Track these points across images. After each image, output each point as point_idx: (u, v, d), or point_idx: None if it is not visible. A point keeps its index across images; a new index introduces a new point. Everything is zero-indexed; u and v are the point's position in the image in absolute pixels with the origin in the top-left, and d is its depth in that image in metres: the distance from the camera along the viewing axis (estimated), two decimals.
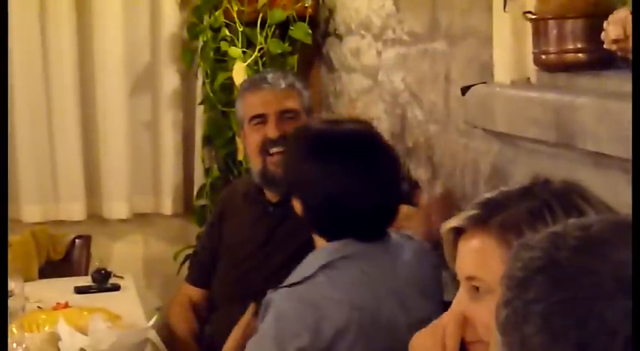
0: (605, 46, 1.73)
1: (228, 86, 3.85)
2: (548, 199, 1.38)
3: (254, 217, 2.97)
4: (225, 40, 3.90)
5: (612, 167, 1.71)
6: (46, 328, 2.72)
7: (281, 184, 2.49)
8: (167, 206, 4.24)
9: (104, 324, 2.68)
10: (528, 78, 2.13)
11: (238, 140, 3.70)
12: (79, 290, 3.35)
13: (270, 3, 3.87)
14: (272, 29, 3.90)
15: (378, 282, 2.17)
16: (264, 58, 3.89)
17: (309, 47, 3.99)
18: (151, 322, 2.80)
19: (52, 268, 3.73)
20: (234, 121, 3.63)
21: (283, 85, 2.92)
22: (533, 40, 2.00)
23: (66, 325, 2.66)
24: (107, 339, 2.59)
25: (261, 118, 2.88)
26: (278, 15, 3.86)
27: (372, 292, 2.15)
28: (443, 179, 2.70)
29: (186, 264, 3.45)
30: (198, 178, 4.15)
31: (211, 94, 3.96)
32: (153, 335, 2.83)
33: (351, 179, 2.19)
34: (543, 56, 1.97)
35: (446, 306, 1.53)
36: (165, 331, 3.10)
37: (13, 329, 2.69)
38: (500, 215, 1.39)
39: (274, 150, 2.83)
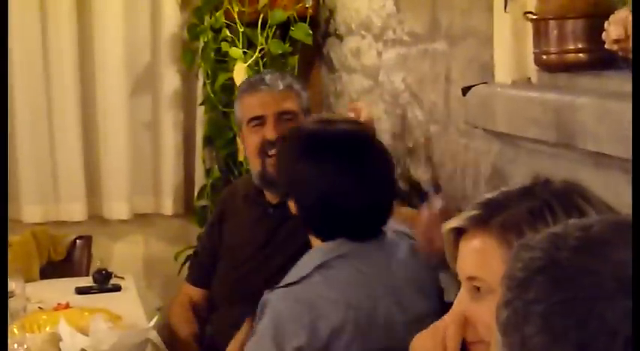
0: (606, 46, 1.73)
1: (229, 87, 3.84)
2: (549, 199, 1.38)
3: (254, 219, 2.97)
4: (226, 40, 3.90)
5: (613, 167, 1.71)
6: (47, 329, 2.72)
7: (277, 184, 2.48)
8: (168, 207, 4.24)
9: (105, 324, 2.68)
10: (529, 78, 2.13)
11: (239, 141, 3.70)
12: (80, 291, 3.35)
13: (270, 3, 3.87)
14: (273, 30, 3.90)
15: (373, 281, 2.18)
16: (264, 59, 3.89)
17: (310, 48, 3.99)
18: (152, 323, 2.80)
19: (52, 269, 3.74)
20: (234, 121, 3.63)
21: (281, 87, 2.91)
22: (533, 40, 2.00)
23: (67, 325, 2.66)
24: (108, 339, 2.59)
25: (259, 120, 2.88)
26: (279, 15, 3.86)
27: (368, 291, 2.16)
28: (443, 193, 2.70)
29: (187, 264, 3.45)
30: (199, 179, 4.15)
31: (212, 95, 3.96)
32: (154, 335, 2.83)
33: (344, 179, 2.20)
34: (544, 56, 1.97)
35: (446, 307, 1.53)
36: (166, 331, 3.11)
37: (14, 330, 2.69)
38: (501, 215, 1.39)
39: (273, 152, 2.82)
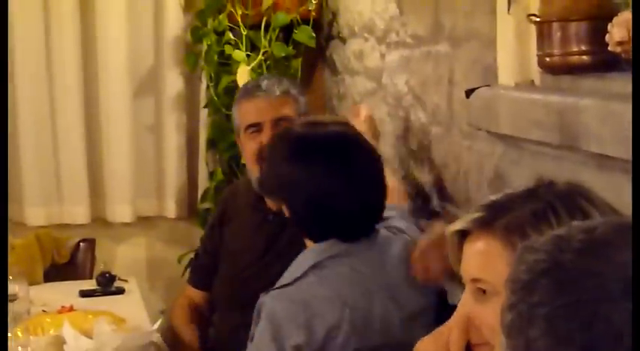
0: (609, 49, 1.73)
1: (232, 89, 3.84)
2: (553, 201, 1.38)
3: (254, 224, 2.95)
4: (229, 43, 3.91)
5: (616, 169, 1.71)
6: (51, 332, 2.73)
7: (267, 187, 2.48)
8: (171, 209, 4.25)
9: (109, 327, 2.69)
10: (532, 80, 2.13)
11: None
12: (84, 293, 3.36)
13: (274, 6, 3.88)
14: (276, 32, 3.90)
15: (368, 278, 2.20)
16: (267, 62, 3.89)
17: (313, 50, 4.00)
18: (156, 326, 2.80)
19: (56, 272, 3.74)
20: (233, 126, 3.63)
21: (278, 93, 2.89)
22: (537, 42, 2.00)
23: (71, 328, 2.67)
24: (112, 342, 2.59)
25: (256, 127, 2.86)
26: (282, 18, 3.87)
27: (363, 289, 2.18)
28: (447, 198, 2.70)
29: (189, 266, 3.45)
30: (202, 182, 4.15)
31: (215, 98, 3.96)
32: (157, 338, 2.84)
33: (333, 180, 2.21)
34: (547, 58, 1.96)
35: (450, 309, 1.53)
36: (169, 333, 3.11)
37: (18, 333, 2.69)
38: (505, 217, 1.39)
39: None
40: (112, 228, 4.25)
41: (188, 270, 3.51)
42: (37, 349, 2.58)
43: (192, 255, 3.80)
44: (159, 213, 4.28)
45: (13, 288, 2.91)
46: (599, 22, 1.83)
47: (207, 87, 4.03)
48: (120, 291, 3.42)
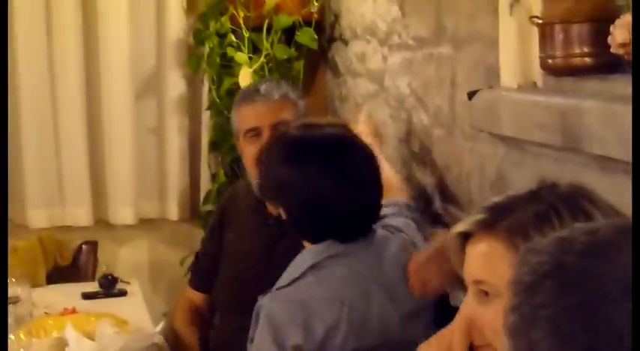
0: (611, 50, 1.73)
1: (235, 92, 3.84)
2: (555, 203, 1.38)
3: (255, 229, 2.94)
4: (232, 45, 3.91)
5: (618, 171, 1.71)
6: (54, 334, 2.73)
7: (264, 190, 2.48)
8: (173, 212, 4.25)
9: (111, 329, 2.69)
10: (535, 82, 2.13)
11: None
12: (86, 296, 3.36)
13: (276, 8, 3.88)
14: (278, 35, 3.90)
15: (365, 278, 2.21)
16: (270, 64, 3.89)
17: (315, 52, 4.00)
18: (158, 328, 2.81)
19: (59, 274, 3.74)
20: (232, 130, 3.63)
21: (277, 97, 2.88)
22: (539, 44, 2.00)
23: (73, 330, 2.67)
24: (114, 344, 2.59)
25: (255, 131, 2.86)
26: (284, 20, 3.87)
27: (361, 289, 2.20)
28: (449, 201, 2.70)
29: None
30: (205, 184, 4.15)
31: (217, 100, 3.97)
32: (160, 340, 2.83)
33: (329, 182, 2.22)
34: (550, 60, 1.97)
35: (452, 311, 1.53)
36: (171, 335, 3.10)
37: (20, 335, 2.69)
38: (508, 219, 1.39)
39: None
40: (115, 230, 4.25)
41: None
42: None
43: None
44: (161, 215, 4.28)
45: (15, 290, 2.91)
46: (601, 24, 1.83)
47: (210, 89, 4.03)
48: (122, 293, 3.42)
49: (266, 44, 3.88)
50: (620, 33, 1.69)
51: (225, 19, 3.91)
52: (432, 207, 2.79)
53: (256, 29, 3.91)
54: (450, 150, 2.69)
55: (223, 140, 4.01)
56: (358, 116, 2.88)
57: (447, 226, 2.60)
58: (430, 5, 2.77)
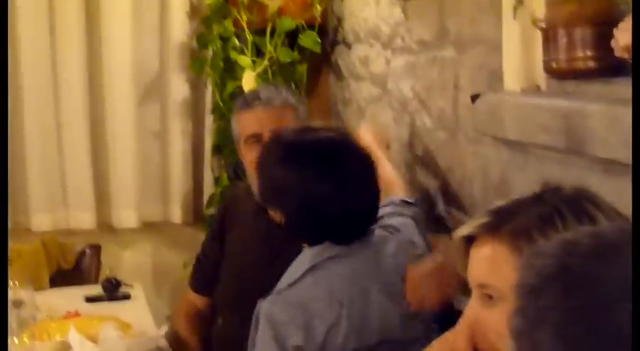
0: (615, 54, 1.73)
1: (238, 95, 3.85)
2: (559, 206, 1.38)
3: (257, 233, 2.91)
4: (235, 49, 3.91)
5: (622, 174, 1.71)
6: (57, 337, 2.73)
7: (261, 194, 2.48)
8: (177, 215, 4.25)
9: (115, 333, 2.69)
10: (538, 85, 2.13)
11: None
12: (90, 299, 3.35)
13: (279, 12, 3.88)
14: (281, 38, 3.90)
15: (364, 277, 2.23)
16: (273, 67, 3.89)
17: (318, 56, 4.00)
18: (162, 331, 2.81)
19: (62, 277, 3.74)
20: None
21: (277, 103, 2.87)
22: (543, 47, 2.00)
23: (77, 334, 2.67)
24: (117, 348, 2.59)
25: (256, 137, 2.85)
26: (287, 24, 3.87)
27: (360, 288, 2.21)
28: (452, 204, 2.70)
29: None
30: (208, 187, 4.15)
31: (221, 103, 3.97)
32: (163, 343, 2.83)
33: (324, 184, 2.23)
34: (553, 63, 1.97)
35: (457, 315, 1.53)
36: (173, 338, 3.10)
37: (24, 338, 2.69)
38: (512, 222, 1.39)
39: None
40: (118, 233, 4.25)
41: None
42: None
43: None
44: (164, 218, 4.28)
45: (18, 294, 2.91)
46: (604, 28, 1.83)
47: (213, 93, 4.04)
48: (125, 296, 3.42)
49: (269, 48, 3.88)
50: (623, 36, 1.69)
51: (228, 23, 3.92)
52: (435, 210, 2.79)
53: (259, 33, 3.92)
54: (453, 153, 2.69)
55: (226, 144, 4.01)
56: (363, 128, 2.87)
57: (449, 229, 2.60)
58: (433, 8, 2.78)
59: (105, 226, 4.21)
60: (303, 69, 3.96)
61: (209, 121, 4.11)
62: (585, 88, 1.93)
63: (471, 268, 1.44)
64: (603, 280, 0.92)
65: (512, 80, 2.19)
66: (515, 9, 2.13)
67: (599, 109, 1.72)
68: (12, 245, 3.68)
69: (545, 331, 0.93)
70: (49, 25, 4.04)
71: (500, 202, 1.46)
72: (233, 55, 3.90)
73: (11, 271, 3.36)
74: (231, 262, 2.98)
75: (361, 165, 2.31)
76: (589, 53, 1.90)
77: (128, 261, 4.29)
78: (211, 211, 4.05)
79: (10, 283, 2.93)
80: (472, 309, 1.44)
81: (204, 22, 4.04)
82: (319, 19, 3.93)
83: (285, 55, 3.89)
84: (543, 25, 1.97)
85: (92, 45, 4.09)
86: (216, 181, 4.10)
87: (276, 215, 2.81)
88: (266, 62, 3.87)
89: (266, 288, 2.34)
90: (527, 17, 2.09)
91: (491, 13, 2.31)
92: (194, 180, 4.25)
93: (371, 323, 2.19)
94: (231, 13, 3.92)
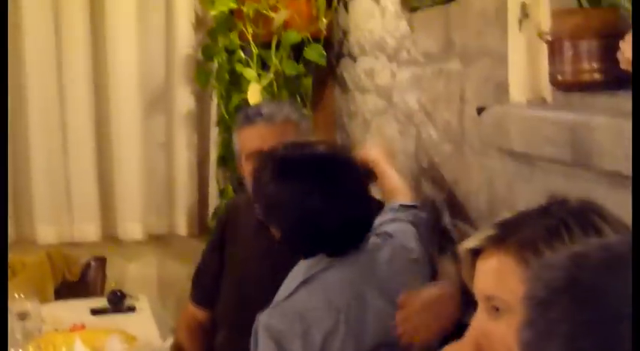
0: (621, 66, 1.73)
1: (243, 108, 3.85)
2: (566, 218, 1.38)
3: (258, 249, 2.89)
4: (240, 61, 3.92)
5: (628, 186, 1.70)
6: (63, 350, 2.73)
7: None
8: (182, 227, 4.25)
9: (120, 345, 2.69)
10: (544, 98, 2.13)
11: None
12: (95, 311, 3.36)
13: (284, 25, 3.88)
14: (287, 51, 3.91)
15: (358, 283, 2.25)
16: (278, 80, 3.90)
17: (324, 68, 4.00)
18: (167, 343, 2.80)
19: (67, 290, 3.74)
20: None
21: (279, 119, 2.86)
22: (548, 59, 2.00)
23: (82, 346, 2.67)
24: None
25: (258, 154, 2.85)
26: (293, 37, 3.88)
27: (354, 293, 2.24)
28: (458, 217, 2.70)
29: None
30: (213, 199, 4.15)
31: (226, 116, 3.97)
32: None
33: (317, 199, 2.26)
34: (559, 76, 1.96)
35: (463, 327, 1.53)
36: (176, 350, 3.10)
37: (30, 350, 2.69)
38: (518, 234, 1.39)
39: None
40: (123, 246, 4.25)
41: None
42: None
43: None
44: (170, 230, 4.28)
45: (24, 306, 2.91)
46: (610, 40, 1.83)
47: (218, 105, 4.04)
48: (131, 309, 3.42)
49: (275, 60, 3.89)
50: (629, 49, 1.69)
51: (234, 35, 3.92)
52: (441, 222, 2.79)
53: (265, 45, 3.92)
54: (458, 165, 2.69)
55: (232, 156, 4.00)
56: (369, 144, 2.88)
57: (455, 242, 2.60)
58: (439, 21, 2.78)
59: (110, 238, 4.21)
60: (308, 82, 3.97)
61: (214, 133, 4.12)
62: (591, 100, 1.93)
63: (477, 281, 1.44)
64: (612, 293, 0.92)
65: (517, 92, 2.19)
66: (520, 21, 2.13)
67: (605, 122, 1.72)
68: (17, 257, 3.69)
69: (554, 344, 0.93)
70: (55, 37, 4.05)
71: (506, 215, 1.46)
72: (238, 67, 3.91)
73: (16, 283, 3.37)
74: (232, 278, 2.96)
75: (354, 179, 2.35)
76: (595, 65, 1.90)
77: (133, 273, 4.29)
78: None
79: (16, 295, 2.93)
80: (478, 321, 1.44)
81: (209, 34, 4.05)
82: (325, 32, 3.94)
83: (291, 68, 3.90)
84: (549, 37, 1.97)
85: (98, 57, 4.11)
86: (222, 193, 4.10)
87: (277, 233, 2.81)
88: (271, 75, 3.88)
89: (267, 304, 2.35)
90: (532, 30, 2.09)
91: (497, 25, 2.32)
92: (199, 192, 4.25)
93: (368, 328, 2.22)
94: (236, 26, 3.93)
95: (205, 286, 3.07)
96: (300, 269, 2.30)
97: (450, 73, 2.73)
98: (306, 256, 2.31)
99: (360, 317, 2.21)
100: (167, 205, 4.26)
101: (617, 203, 1.62)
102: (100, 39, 4.10)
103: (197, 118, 4.21)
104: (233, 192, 4.03)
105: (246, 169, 2.88)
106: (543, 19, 2.07)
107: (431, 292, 2.26)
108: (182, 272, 4.15)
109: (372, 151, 2.83)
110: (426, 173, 2.96)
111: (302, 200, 2.25)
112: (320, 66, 3.95)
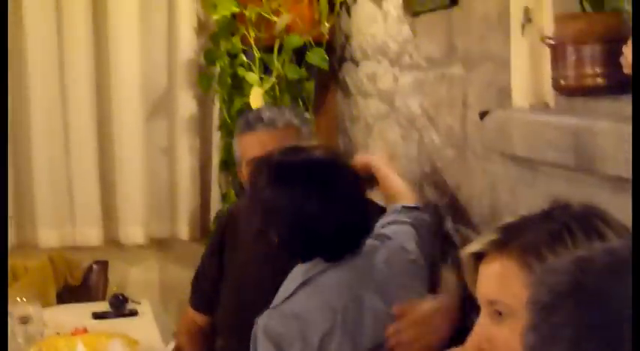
0: (624, 71, 1.73)
1: (245, 112, 3.85)
2: (569, 222, 1.38)
3: (258, 255, 2.87)
4: (242, 66, 3.92)
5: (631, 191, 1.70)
6: None
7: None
8: (184, 231, 4.25)
9: (122, 349, 2.69)
10: (546, 102, 2.12)
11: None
12: (97, 316, 3.36)
13: (287, 29, 3.89)
14: (289, 55, 3.90)
15: (355, 284, 2.26)
16: (280, 84, 3.90)
17: (326, 73, 4.00)
18: (169, 347, 2.80)
19: (69, 294, 3.75)
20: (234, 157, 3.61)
21: (280, 125, 2.86)
22: (551, 64, 2.00)
23: (85, 350, 2.67)
24: None
25: None
26: (295, 41, 3.87)
27: (351, 295, 2.24)
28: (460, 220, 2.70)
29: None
30: (215, 203, 4.15)
31: (228, 120, 3.97)
32: None
33: (313, 204, 2.26)
34: (562, 81, 1.96)
35: (466, 332, 1.53)
36: None
37: None
38: (521, 239, 1.39)
39: None
40: (125, 250, 4.25)
41: None
42: None
43: None
44: (172, 235, 4.28)
45: (26, 310, 2.91)
46: (613, 45, 1.83)
47: (220, 109, 4.04)
48: (133, 313, 3.42)
49: (277, 65, 3.89)
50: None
51: (236, 40, 3.92)
52: (444, 227, 2.79)
53: (267, 49, 3.92)
54: (461, 170, 2.68)
55: (234, 160, 4.00)
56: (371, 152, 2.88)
57: (457, 246, 2.59)
58: (441, 25, 2.78)
59: (112, 242, 4.21)
60: (310, 86, 3.97)
61: (217, 137, 4.12)
62: (594, 105, 1.93)
63: (480, 285, 1.44)
64: (616, 297, 0.92)
65: (520, 97, 2.19)
66: (523, 26, 2.13)
67: (608, 127, 1.72)
68: (19, 261, 3.69)
69: (558, 348, 0.93)
70: (57, 42, 4.05)
71: (509, 219, 1.46)
72: (241, 71, 3.91)
73: (18, 287, 3.37)
74: (232, 282, 2.95)
75: (350, 183, 2.36)
76: (598, 70, 1.90)
77: (135, 277, 4.29)
78: None
79: (18, 299, 2.94)
80: (481, 326, 1.44)
81: (212, 38, 4.05)
82: (327, 36, 3.94)
83: (293, 72, 3.90)
84: (552, 42, 1.97)
85: (100, 61, 4.11)
86: (224, 197, 4.10)
87: (271, 235, 2.81)
88: (274, 79, 3.88)
89: (266, 308, 2.35)
90: (535, 34, 2.09)
91: (500, 30, 2.32)
92: (201, 196, 4.25)
93: (366, 330, 2.23)
94: (239, 30, 3.93)
95: (204, 292, 3.06)
96: (298, 272, 2.32)
97: (452, 78, 2.73)
98: (303, 261, 2.32)
99: (357, 319, 2.22)
100: (169, 210, 4.26)
101: (620, 208, 1.62)
102: (103, 39, 4.10)
103: (199, 122, 4.21)
104: (235, 196, 4.02)
105: (247, 175, 2.88)
106: (546, 23, 2.07)
107: (428, 305, 2.26)
108: (184, 276, 4.13)
109: (372, 156, 2.83)
110: (429, 178, 2.95)
111: (298, 205, 2.26)
112: (322, 70, 3.95)
